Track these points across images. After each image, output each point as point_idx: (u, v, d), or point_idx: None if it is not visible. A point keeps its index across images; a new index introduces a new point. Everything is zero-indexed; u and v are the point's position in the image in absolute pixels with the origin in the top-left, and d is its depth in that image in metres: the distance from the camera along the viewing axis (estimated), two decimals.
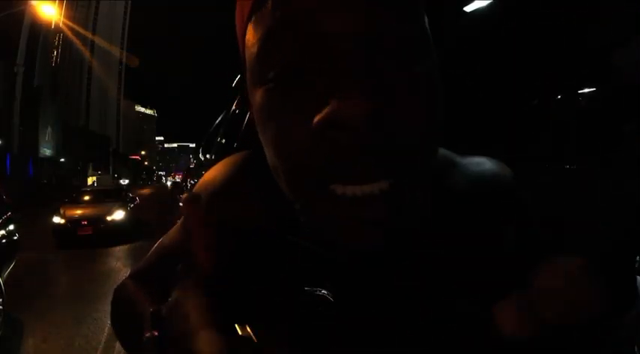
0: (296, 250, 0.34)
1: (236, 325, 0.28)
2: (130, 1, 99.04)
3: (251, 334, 0.28)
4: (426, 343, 0.31)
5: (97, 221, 7.43)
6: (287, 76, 0.27)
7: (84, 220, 7.37)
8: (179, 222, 0.47)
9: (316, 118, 0.25)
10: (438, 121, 0.28)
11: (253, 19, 0.29)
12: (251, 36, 0.29)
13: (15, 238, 3.97)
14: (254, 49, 0.28)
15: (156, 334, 0.28)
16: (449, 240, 0.33)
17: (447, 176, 0.37)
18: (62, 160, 36.15)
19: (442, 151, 0.39)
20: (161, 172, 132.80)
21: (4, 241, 3.66)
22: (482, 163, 0.38)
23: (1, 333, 3.10)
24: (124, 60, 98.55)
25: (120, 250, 6.76)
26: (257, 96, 0.29)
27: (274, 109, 0.28)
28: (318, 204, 0.27)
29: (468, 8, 1.40)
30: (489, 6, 1.38)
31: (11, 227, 3.91)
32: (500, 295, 0.30)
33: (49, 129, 33.61)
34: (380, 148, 0.25)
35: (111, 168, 55.79)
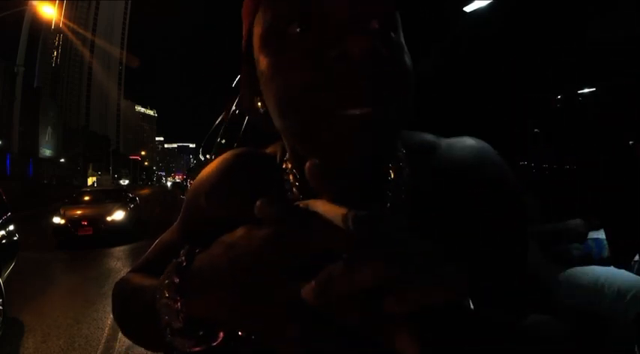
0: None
1: None
2: (130, 1, 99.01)
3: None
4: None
5: (97, 221, 7.43)
6: (295, 25, 0.33)
7: (84, 221, 7.37)
8: (176, 221, 0.49)
9: (328, 51, 0.31)
10: (412, 80, 0.34)
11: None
12: (261, 7, 0.35)
13: (15, 238, 3.96)
14: (263, 18, 0.35)
15: (177, 280, 0.31)
16: (434, 215, 0.36)
17: (433, 155, 0.41)
18: (62, 160, 36.13)
19: (429, 135, 0.44)
20: (161, 173, 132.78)
21: (4, 241, 3.66)
22: (465, 141, 0.42)
23: (1, 333, 3.10)
24: (124, 60, 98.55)
25: (120, 251, 6.75)
26: (264, 58, 0.35)
27: (284, 60, 0.33)
28: (324, 126, 0.32)
29: (468, 8, 1.39)
30: (489, 6, 1.37)
31: (11, 228, 3.91)
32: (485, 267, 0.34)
33: (49, 129, 33.61)
34: (377, 78, 0.30)
35: (111, 168, 55.76)
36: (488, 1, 1.35)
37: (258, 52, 0.36)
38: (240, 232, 0.30)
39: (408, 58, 0.34)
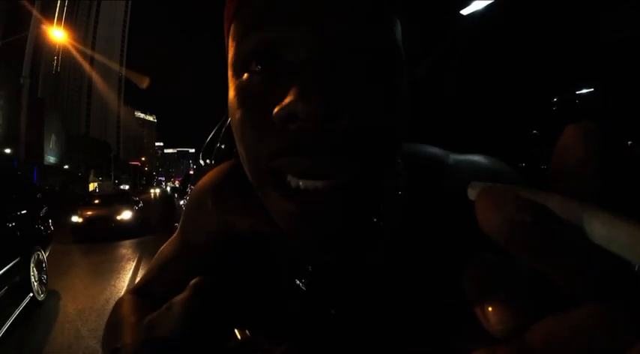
0: (282, 251, 0.37)
1: (235, 330, 0.32)
2: (129, 10, 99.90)
3: (248, 336, 0.33)
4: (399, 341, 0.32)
5: (109, 220, 8.88)
6: (253, 69, 0.28)
7: (98, 219, 8.80)
8: (176, 232, 0.49)
9: (276, 109, 0.26)
10: (397, 127, 0.28)
11: (234, 22, 0.30)
12: (231, 36, 0.31)
13: (50, 230, 4.87)
14: (231, 49, 0.30)
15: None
16: (436, 241, 0.32)
17: (439, 175, 0.36)
18: (66, 167, 36.78)
19: (436, 149, 0.39)
20: (161, 178, 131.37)
21: (46, 230, 4.73)
22: (477, 161, 0.37)
23: (45, 296, 4.24)
24: (124, 66, 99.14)
25: (128, 243, 8.07)
26: (230, 91, 0.30)
27: (240, 101, 0.29)
28: (273, 194, 0.28)
29: (465, 11, 1.37)
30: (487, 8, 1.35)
31: (48, 220, 4.89)
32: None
33: (53, 137, 34.47)
34: (332, 145, 0.26)
35: (112, 174, 56.29)
36: (488, 2, 1.32)
37: (228, 78, 0.31)
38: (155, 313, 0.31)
39: (397, 97, 0.28)
